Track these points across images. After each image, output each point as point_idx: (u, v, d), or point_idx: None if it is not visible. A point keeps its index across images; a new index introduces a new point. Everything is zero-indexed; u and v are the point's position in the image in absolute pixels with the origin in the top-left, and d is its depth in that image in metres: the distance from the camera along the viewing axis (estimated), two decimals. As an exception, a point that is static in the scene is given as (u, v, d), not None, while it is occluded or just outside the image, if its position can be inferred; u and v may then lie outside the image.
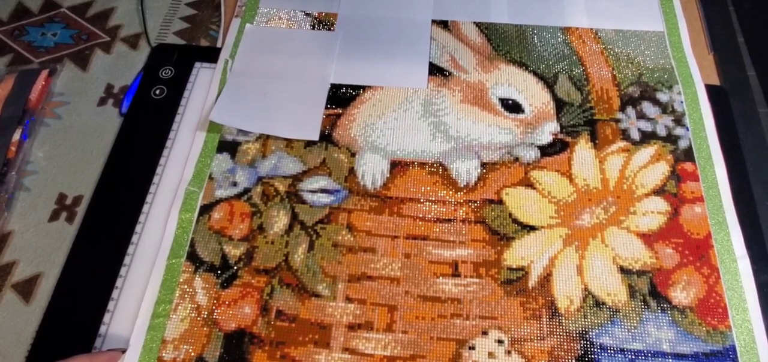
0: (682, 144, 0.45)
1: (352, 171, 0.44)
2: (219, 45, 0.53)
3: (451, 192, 0.43)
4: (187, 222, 0.42)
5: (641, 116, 0.46)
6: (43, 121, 0.49)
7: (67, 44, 0.54)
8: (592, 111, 0.47)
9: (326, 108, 0.48)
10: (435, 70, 0.50)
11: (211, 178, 0.44)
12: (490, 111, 0.47)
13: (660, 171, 0.43)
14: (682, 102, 0.47)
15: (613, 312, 0.38)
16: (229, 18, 0.54)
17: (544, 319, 0.38)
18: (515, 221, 0.41)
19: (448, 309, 0.38)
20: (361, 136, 0.46)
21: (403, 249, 0.41)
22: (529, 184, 0.43)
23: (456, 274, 0.39)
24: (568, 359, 0.36)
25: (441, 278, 0.39)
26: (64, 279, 0.40)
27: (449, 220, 0.42)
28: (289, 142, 0.46)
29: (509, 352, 0.36)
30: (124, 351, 0.37)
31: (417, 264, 0.40)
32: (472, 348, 0.37)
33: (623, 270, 0.39)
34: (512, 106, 0.47)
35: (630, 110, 0.47)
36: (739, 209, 0.41)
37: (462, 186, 0.43)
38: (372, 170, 0.44)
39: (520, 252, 0.40)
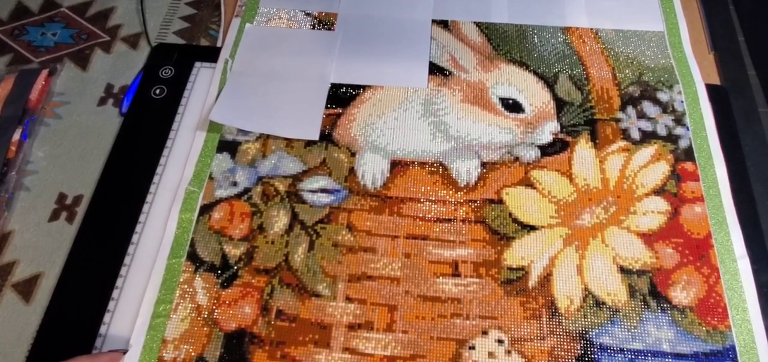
0: (683, 143, 0.45)
1: (352, 170, 0.44)
2: (219, 45, 0.53)
3: (451, 192, 0.43)
4: (187, 222, 0.42)
5: (641, 116, 0.46)
6: (43, 120, 0.49)
7: (67, 44, 0.54)
8: (593, 110, 0.47)
9: (326, 107, 0.48)
10: (435, 69, 0.50)
11: (211, 177, 0.44)
12: (491, 110, 0.47)
13: (660, 170, 0.43)
14: (682, 101, 0.47)
15: (613, 311, 0.38)
16: (229, 18, 0.54)
17: (544, 319, 0.38)
18: (515, 221, 0.41)
19: (448, 309, 0.38)
20: (361, 135, 0.46)
21: (403, 249, 0.41)
22: (529, 184, 0.43)
23: (456, 274, 0.39)
24: (568, 359, 0.36)
25: (441, 278, 0.39)
26: (65, 279, 0.40)
27: (449, 220, 0.42)
28: (289, 142, 0.46)
29: (509, 352, 0.37)
30: (125, 352, 0.37)
31: (417, 264, 0.40)
32: (472, 347, 0.37)
33: (623, 270, 0.39)
34: (512, 106, 0.47)
35: (630, 110, 0.47)
36: (739, 209, 0.41)
37: (462, 185, 0.43)
38: (372, 170, 0.44)
39: (520, 252, 0.40)
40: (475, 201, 0.42)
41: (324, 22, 0.53)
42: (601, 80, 0.48)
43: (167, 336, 0.37)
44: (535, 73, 0.49)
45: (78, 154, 0.47)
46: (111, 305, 0.39)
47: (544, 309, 0.38)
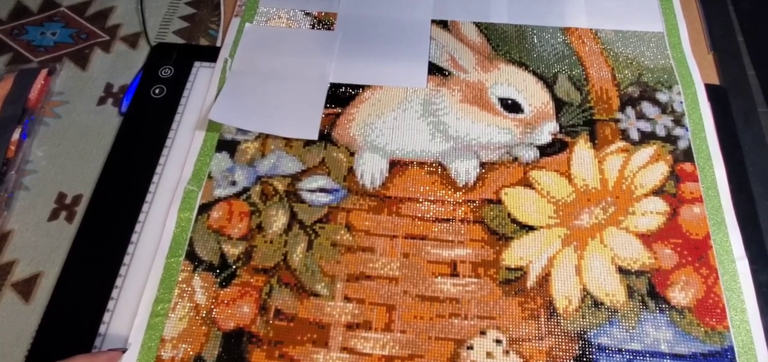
0: (682, 144, 0.45)
1: (351, 170, 0.44)
2: (218, 44, 0.53)
3: (450, 192, 0.43)
4: (186, 222, 0.42)
5: (641, 116, 0.46)
6: (43, 120, 0.49)
7: (66, 43, 0.54)
8: (592, 111, 0.47)
9: (325, 107, 0.48)
10: (434, 69, 0.50)
11: (210, 177, 0.44)
12: (490, 110, 0.47)
13: (659, 171, 0.43)
14: (681, 102, 0.47)
15: (611, 312, 0.38)
16: (228, 17, 0.54)
17: (543, 319, 0.38)
18: (514, 221, 0.41)
19: (447, 309, 0.38)
20: (360, 135, 0.46)
21: (402, 249, 0.41)
22: (528, 184, 0.43)
23: (454, 274, 0.39)
24: (566, 359, 0.36)
25: (439, 278, 0.39)
26: (64, 278, 0.40)
27: (448, 220, 0.42)
28: (288, 141, 0.46)
29: (507, 352, 0.37)
30: (124, 351, 0.37)
31: (415, 264, 0.40)
32: (470, 347, 0.37)
33: (622, 271, 0.39)
34: (511, 106, 0.47)
35: (629, 110, 0.47)
36: (738, 209, 0.41)
37: (461, 185, 0.43)
38: (371, 169, 0.44)
39: (518, 252, 0.40)
40: (474, 202, 0.42)
41: (323, 22, 0.53)
42: (601, 81, 0.48)
43: (165, 335, 0.37)
44: (535, 74, 0.49)
45: (77, 154, 0.47)
46: (110, 304, 0.39)
47: (542, 310, 0.38)
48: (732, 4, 0.54)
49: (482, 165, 0.44)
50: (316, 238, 0.41)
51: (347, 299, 0.39)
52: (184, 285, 0.39)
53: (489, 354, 0.36)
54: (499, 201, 0.42)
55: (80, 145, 0.47)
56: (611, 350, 0.36)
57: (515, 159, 0.44)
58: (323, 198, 0.43)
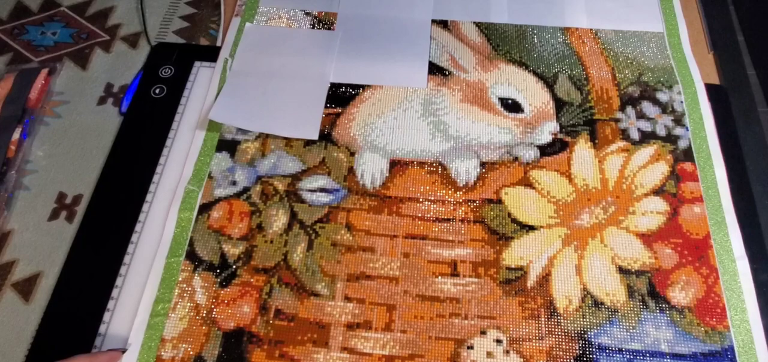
0: (682, 144, 0.45)
1: (351, 170, 0.44)
2: (219, 44, 0.53)
3: (450, 192, 0.43)
4: (187, 221, 0.42)
5: (641, 116, 0.46)
6: (43, 119, 0.49)
7: (66, 43, 0.54)
8: (592, 111, 0.47)
9: (326, 107, 0.48)
10: (435, 69, 0.50)
11: (210, 176, 0.44)
12: (490, 110, 0.47)
13: (659, 171, 0.43)
14: (681, 102, 0.47)
15: (611, 312, 0.38)
16: (228, 17, 0.54)
17: (543, 319, 0.38)
18: (514, 221, 0.41)
19: (447, 309, 0.38)
20: (360, 135, 0.46)
21: (402, 249, 0.41)
22: (528, 184, 0.43)
23: (455, 274, 0.39)
24: (567, 359, 0.36)
25: (440, 277, 0.39)
26: (64, 278, 0.40)
27: (448, 220, 0.42)
28: (288, 141, 0.46)
29: (508, 352, 0.37)
30: (124, 351, 0.37)
31: (416, 264, 0.40)
32: (471, 347, 0.37)
33: (622, 270, 0.39)
34: (512, 106, 0.47)
35: (630, 110, 0.47)
36: (738, 209, 0.41)
37: (461, 185, 0.43)
38: (371, 169, 0.44)
39: (519, 252, 0.40)
40: (474, 201, 0.42)
41: (324, 22, 0.53)
42: (601, 80, 0.48)
43: (166, 335, 0.37)
44: (535, 73, 0.49)
45: (78, 154, 0.47)
46: (111, 304, 0.39)
47: (542, 309, 0.38)
48: (732, 4, 0.54)
49: (482, 165, 0.44)
50: (317, 238, 0.41)
51: (347, 299, 0.39)
52: (185, 285, 0.39)
53: (489, 354, 0.36)
54: (500, 201, 0.42)
55: (80, 145, 0.47)
56: (611, 350, 0.36)
57: (515, 159, 0.44)
58: (323, 198, 0.43)
